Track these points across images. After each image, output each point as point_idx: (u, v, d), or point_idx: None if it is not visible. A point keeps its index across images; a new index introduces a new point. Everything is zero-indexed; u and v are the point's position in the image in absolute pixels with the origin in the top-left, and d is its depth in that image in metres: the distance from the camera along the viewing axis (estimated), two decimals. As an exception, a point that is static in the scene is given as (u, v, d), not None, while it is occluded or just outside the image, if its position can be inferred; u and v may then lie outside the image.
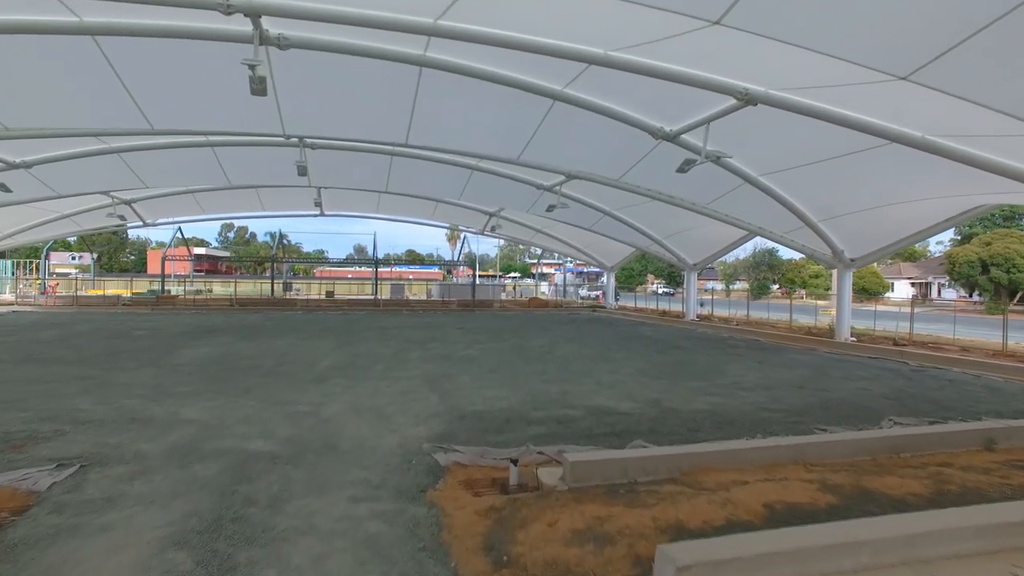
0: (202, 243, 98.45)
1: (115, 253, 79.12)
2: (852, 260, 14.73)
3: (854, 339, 14.73)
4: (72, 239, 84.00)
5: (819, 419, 6.73)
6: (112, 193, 19.60)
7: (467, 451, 5.20)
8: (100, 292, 30.49)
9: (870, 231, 13.66)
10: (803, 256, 61.54)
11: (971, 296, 38.32)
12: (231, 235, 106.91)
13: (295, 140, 13.71)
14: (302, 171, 14.59)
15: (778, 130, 10.50)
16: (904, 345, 13.36)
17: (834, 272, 22.40)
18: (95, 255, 71.25)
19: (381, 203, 24.63)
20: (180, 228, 30.59)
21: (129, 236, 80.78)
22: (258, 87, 8.47)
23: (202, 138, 14.26)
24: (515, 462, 4.53)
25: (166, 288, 28.97)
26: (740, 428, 6.26)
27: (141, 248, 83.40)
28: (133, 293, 28.01)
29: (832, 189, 12.55)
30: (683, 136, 10.90)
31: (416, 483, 4.40)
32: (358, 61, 8.89)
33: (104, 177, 16.71)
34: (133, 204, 21.71)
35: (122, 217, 21.03)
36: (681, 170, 10.48)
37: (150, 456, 4.83)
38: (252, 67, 7.73)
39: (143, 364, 9.79)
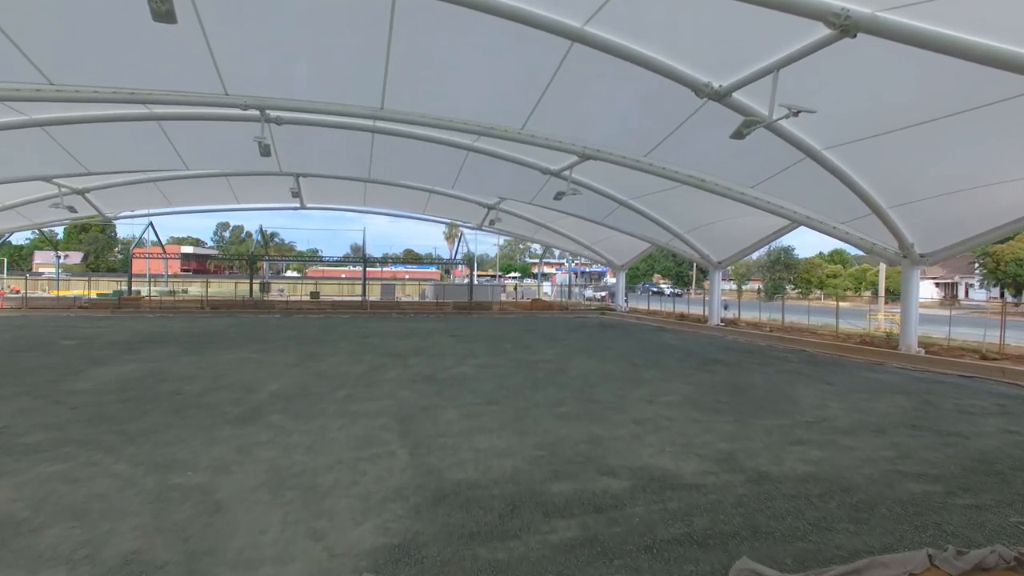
0: (197, 243, 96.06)
1: (102, 252, 76.66)
2: (922, 256, 12.28)
3: (922, 350, 12.29)
4: (60, 236, 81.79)
5: (1001, 497, 4.28)
6: (56, 180, 17.14)
7: (438, 602, 2.75)
8: (67, 293, 28.01)
9: (951, 219, 11.20)
10: (817, 255, 58.79)
11: (1003, 296, 35.91)
12: (227, 234, 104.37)
13: (255, 113, 11.25)
14: (265, 151, 12.06)
15: (860, 82, 8.06)
16: (995, 359, 10.91)
17: (880, 269, 19.95)
18: (63, 255, 68.92)
19: (368, 195, 22.20)
20: (152, 223, 28.16)
21: (118, 234, 78.49)
22: (159, 7, 6.06)
23: (143, 109, 11.85)
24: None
25: (135, 289, 26.49)
26: (893, 520, 3.81)
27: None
28: (98, 294, 25.56)
29: (910, 165, 10.13)
30: (735, 96, 8.49)
31: None
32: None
33: (36, 159, 14.25)
34: (87, 194, 19.24)
35: (72, 209, 18.54)
36: (738, 135, 8.04)
37: None
38: (136, -34, 5.32)
39: (24, 391, 7.34)
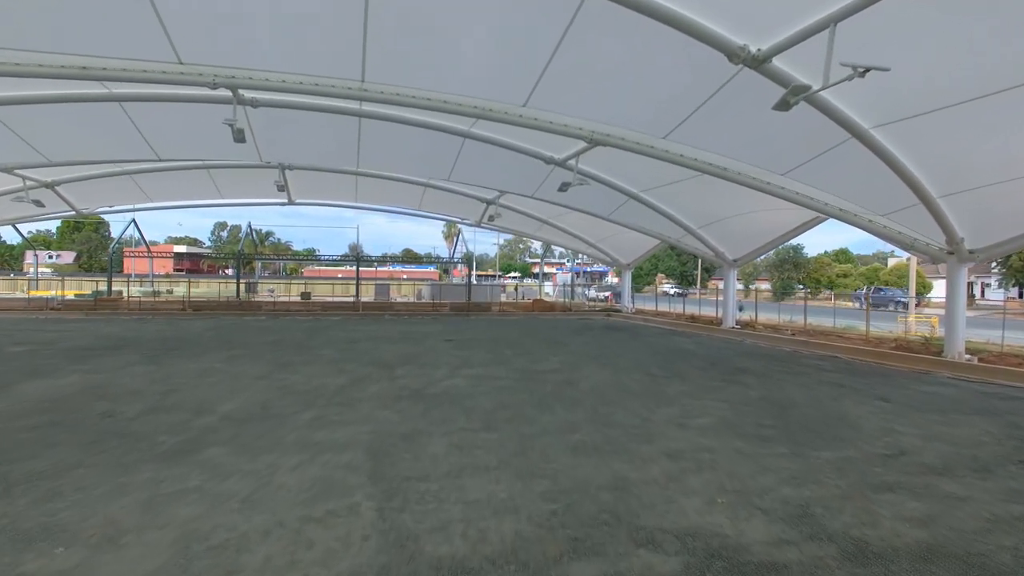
0: (195, 242, 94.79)
1: (96, 252, 75.32)
2: (971, 252, 10.99)
3: (973, 357, 10.99)
4: (54, 235, 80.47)
5: None
6: (19, 172, 15.87)
7: None
8: (44, 293, 26.73)
9: (1011, 210, 9.92)
10: (822, 253, 57.48)
11: (1021, 297, 34.62)
12: (224, 234, 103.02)
13: (226, 93, 10.00)
14: (239, 135, 10.82)
15: (923, 42, 6.78)
16: (1064, 369, 9.61)
17: (911, 268, 18.78)
18: (55, 255, 67.57)
19: (360, 189, 20.94)
20: (135, 220, 26.89)
21: (112, 233, 77.11)
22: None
23: (103, 89, 10.60)
24: None
25: (116, 289, 25.19)
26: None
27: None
28: (75, 294, 24.28)
29: (970, 146, 8.85)
30: (774, 61, 7.22)
31: None
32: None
33: (-13, 147, 13.00)
34: (56, 187, 17.95)
35: (39, 203, 17.28)
36: (783, 105, 6.75)
37: None
38: None
39: (-76, 413, 6.05)
